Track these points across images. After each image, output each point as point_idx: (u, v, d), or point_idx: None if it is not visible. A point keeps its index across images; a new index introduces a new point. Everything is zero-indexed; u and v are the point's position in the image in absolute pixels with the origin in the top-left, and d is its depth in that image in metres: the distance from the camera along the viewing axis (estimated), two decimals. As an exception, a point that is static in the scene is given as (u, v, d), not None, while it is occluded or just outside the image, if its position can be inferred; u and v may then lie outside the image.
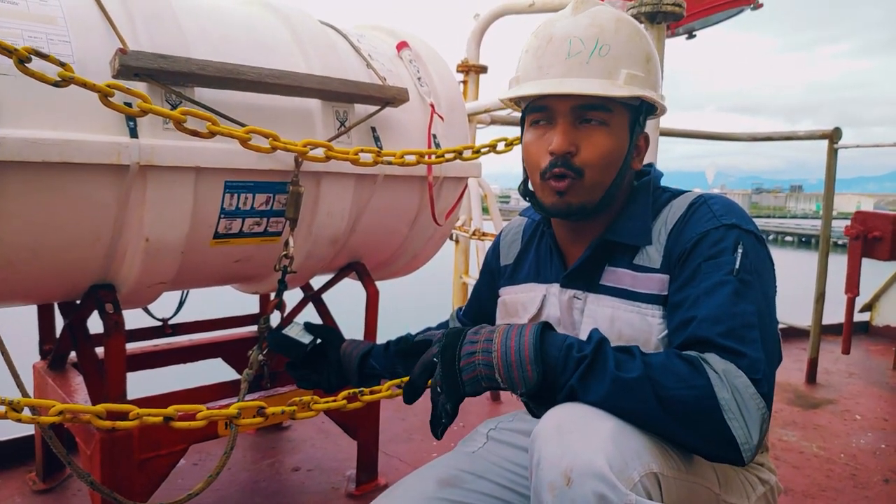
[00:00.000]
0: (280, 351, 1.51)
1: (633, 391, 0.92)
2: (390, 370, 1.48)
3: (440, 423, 1.02)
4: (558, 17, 1.16)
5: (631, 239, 1.14)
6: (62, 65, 1.19)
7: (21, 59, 1.14)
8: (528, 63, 1.17)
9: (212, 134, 1.41)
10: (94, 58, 1.44)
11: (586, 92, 1.08)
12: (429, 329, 1.55)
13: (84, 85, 1.21)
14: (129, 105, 1.34)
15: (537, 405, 1.01)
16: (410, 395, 1.08)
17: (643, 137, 1.20)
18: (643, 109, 1.17)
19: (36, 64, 1.17)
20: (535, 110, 1.15)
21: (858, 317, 4.62)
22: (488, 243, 3.44)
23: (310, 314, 1.92)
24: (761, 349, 0.96)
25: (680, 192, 1.20)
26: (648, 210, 1.16)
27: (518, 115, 1.28)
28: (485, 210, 3.68)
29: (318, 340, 1.52)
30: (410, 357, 1.50)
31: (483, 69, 3.81)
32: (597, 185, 1.13)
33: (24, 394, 1.37)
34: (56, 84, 1.18)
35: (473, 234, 3.43)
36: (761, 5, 3.40)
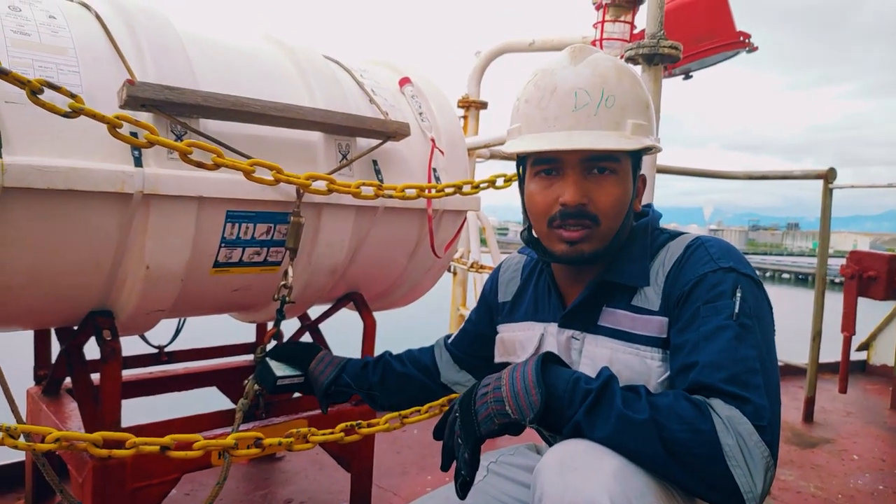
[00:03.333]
0: (279, 392, 1.52)
1: (638, 431, 0.92)
2: (367, 391, 1.49)
3: (460, 476, 1.01)
4: (558, 67, 1.15)
5: (629, 280, 1.15)
6: (73, 96, 1.21)
7: (33, 91, 1.16)
8: (531, 114, 1.16)
9: (216, 166, 1.43)
10: (103, 88, 1.47)
11: (600, 147, 1.09)
12: (410, 351, 1.55)
13: (93, 116, 1.23)
14: (135, 135, 1.36)
15: (551, 433, 1.00)
16: (447, 461, 1.06)
17: (641, 179, 1.23)
18: (642, 153, 1.20)
19: (47, 95, 1.19)
20: (541, 161, 1.15)
21: (855, 356, 4.61)
22: (486, 276, 3.46)
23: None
24: (765, 395, 0.96)
25: (677, 234, 1.21)
26: (647, 251, 1.17)
27: None
28: (483, 242, 3.71)
29: (298, 375, 1.52)
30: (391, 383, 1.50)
31: (483, 105, 3.87)
32: (610, 231, 1.14)
33: (20, 420, 1.36)
34: (66, 115, 1.20)
35: (471, 266, 3.45)
36: (756, 48, 3.47)
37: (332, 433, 1.47)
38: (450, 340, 1.53)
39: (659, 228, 1.24)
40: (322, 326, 2.23)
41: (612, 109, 1.10)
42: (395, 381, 1.49)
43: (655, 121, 1.24)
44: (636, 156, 1.18)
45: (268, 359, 1.54)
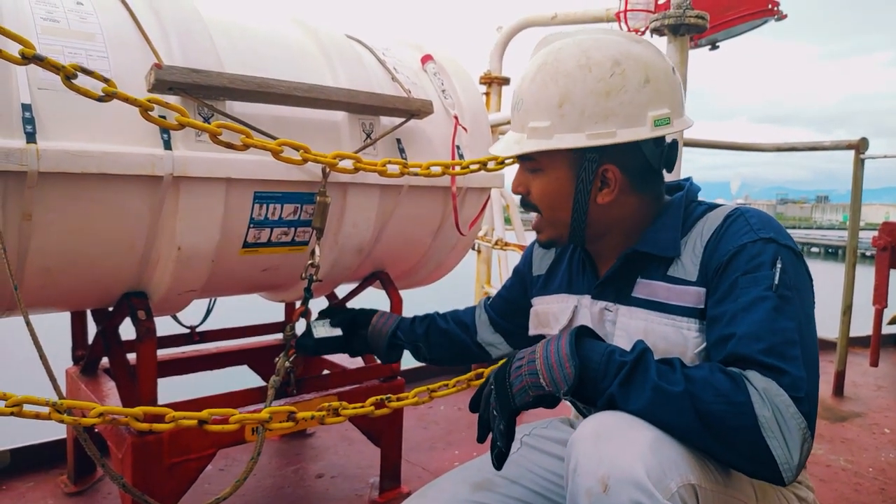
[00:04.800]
0: (320, 352, 1.64)
1: (672, 403, 0.93)
2: (413, 344, 1.61)
3: (496, 447, 1.03)
4: None
5: (659, 250, 1.14)
6: (106, 80, 1.23)
7: (68, 76, 1.19)
8: None
9: (245, 146, 1.45)
10: (130, 72, 1.49)
11: (496, 155, 1.22)
12: (455, 311, 1.63)
13: (126, 99, 1.25)
14: (164, 118, 1.39)
15: (585, 406, 1.02)
16: (482, 433, 1.09)
17: (610, 171, 1.13)
18: (597, 147, 1.11)
19: (80, 80, 1.22)
20: None
21: (887, 329, 4.53)
22: (510, 253, 3.46)
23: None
24: (803, 367, 0.95)
25: (715, 206, 1.19)
26: (678, 222, 1.16)
27: None
28: (507, 220, 3.70)
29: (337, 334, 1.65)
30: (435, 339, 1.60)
31: (506, 81, 3.84)
32: (555, 221, 1.19)
33: (61, 397, 1.41)
34: (100, 99, 1.23)
35: (496, 244, 3.45)
36: (785, 16, 3.38)
37: (362, 406, 1.50)
38: (489, 302, 1.59)
39: (696, 201, 1.22)
40: (349, 305, 2.26)
41: (521, 112, 1.17)
42: (437, 337, 1.59)
43: (598, 113, 1.09)
44: (580, 150, 1.11)
45: (313, 321, 1.66)
